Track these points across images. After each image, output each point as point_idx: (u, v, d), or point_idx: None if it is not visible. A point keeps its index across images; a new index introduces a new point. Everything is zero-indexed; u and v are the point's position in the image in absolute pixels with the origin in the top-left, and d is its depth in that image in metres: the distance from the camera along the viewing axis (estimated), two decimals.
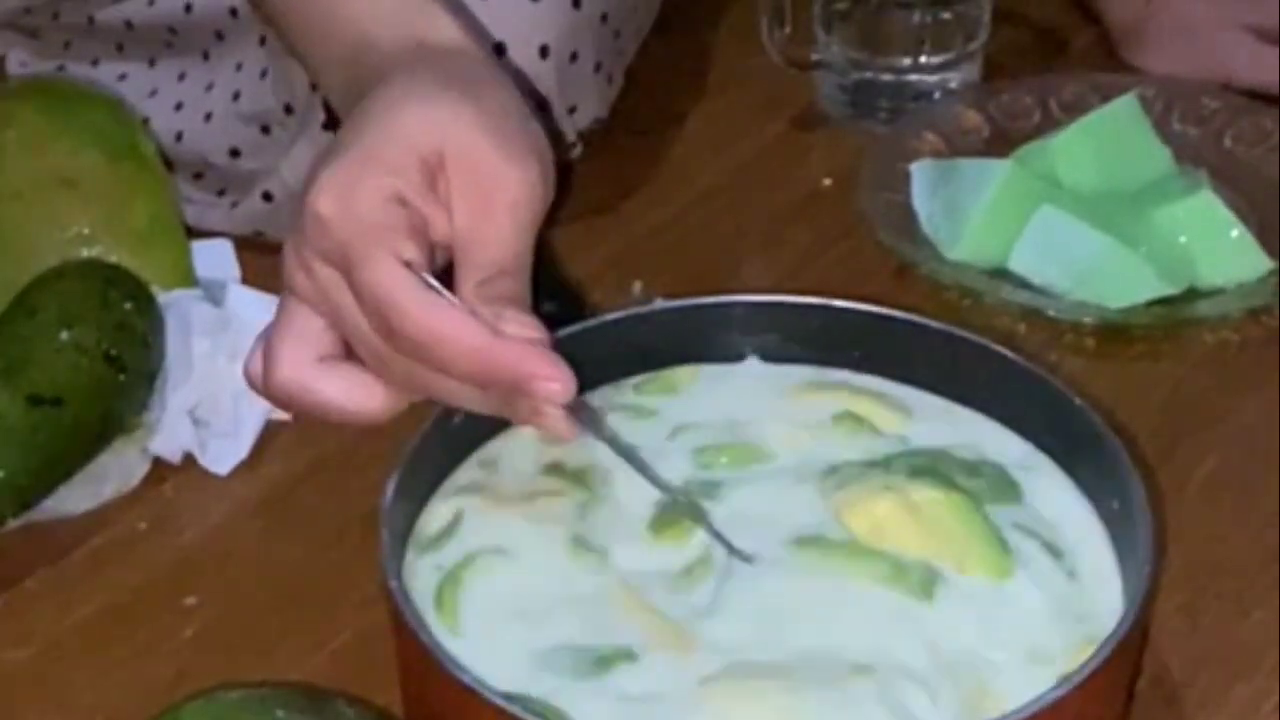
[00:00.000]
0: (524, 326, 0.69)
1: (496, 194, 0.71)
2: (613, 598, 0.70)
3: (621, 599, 0.70)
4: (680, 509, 0.73)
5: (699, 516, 0.73)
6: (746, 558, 0.71)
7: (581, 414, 0.71)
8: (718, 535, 0.72)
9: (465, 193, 0.71)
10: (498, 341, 0.68)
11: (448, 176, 0.71)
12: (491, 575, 0.71)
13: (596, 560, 0.72)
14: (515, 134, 0.72)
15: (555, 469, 0.76)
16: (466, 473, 0.76)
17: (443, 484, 0.75)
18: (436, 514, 0.74)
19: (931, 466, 0.74)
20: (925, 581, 0.70)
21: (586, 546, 0.72)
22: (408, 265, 0.68)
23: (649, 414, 0.79)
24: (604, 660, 0.68)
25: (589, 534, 0.73)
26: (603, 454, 0.74)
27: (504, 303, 0.69)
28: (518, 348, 0.68)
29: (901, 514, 0.72)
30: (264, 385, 0.72)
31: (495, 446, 0.77)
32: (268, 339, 0.71)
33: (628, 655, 0.68)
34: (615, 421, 0.77)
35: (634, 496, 0.74)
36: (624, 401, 0.79)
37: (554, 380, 0.68)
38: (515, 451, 0.77)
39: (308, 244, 0.70)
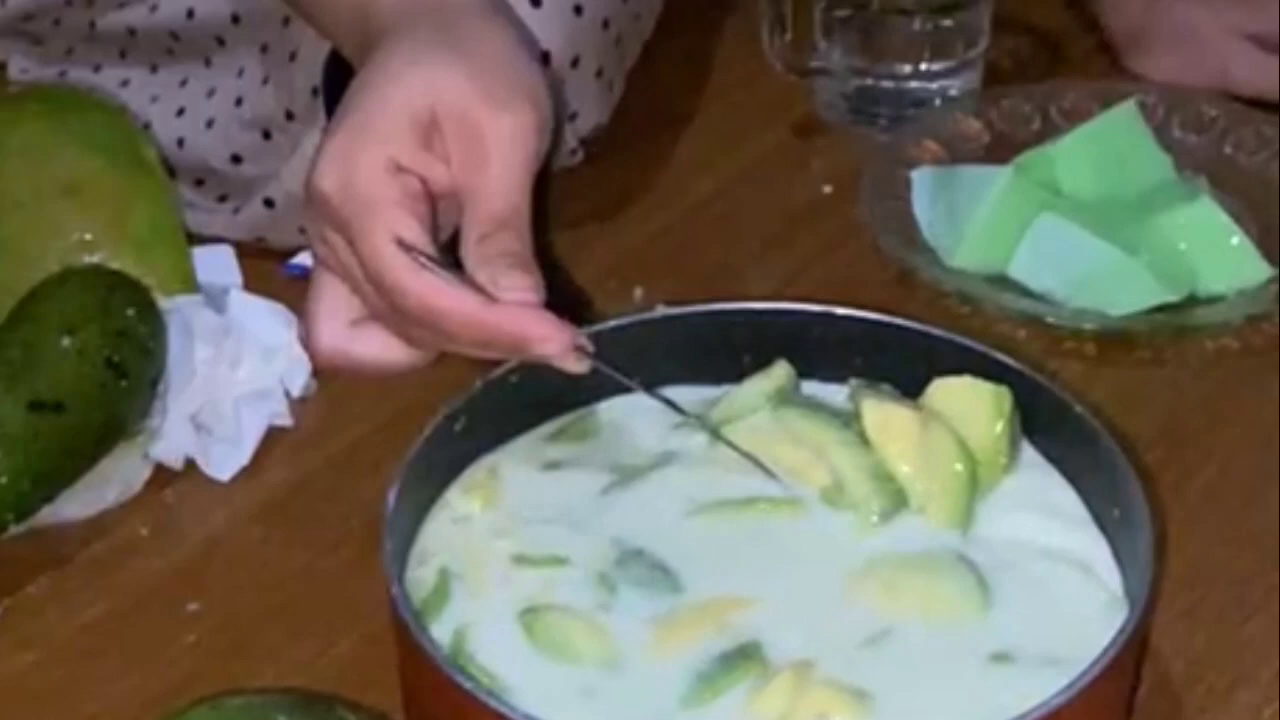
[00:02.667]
0: (519, 286, 0.71)
1: (487, 143, 0.74)
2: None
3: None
4: (695, 426, 0.77)
5: (717, 434, 0.76)
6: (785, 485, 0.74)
7: (586, 353, 0.74)
8: (741, 451, 0.75)
9: (458, 146, 0.74)
10: (491, 310, 0.71)
11: (442, 133, 0.74)
12: None
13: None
14: (505, 83, 0.75)
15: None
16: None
17: (445, 490, 0.76)
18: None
19: None
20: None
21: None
22: (400, 243, 0.71)
23: None
24: None
25: None
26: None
27: (503, 260, 0.72)
28: (511, 314, 0.71)
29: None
30: (309, 354, 0.77)
31: (496, 457, 0.78)
32: (306, 309, 0.76)
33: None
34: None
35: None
36: None
37: (549, 340, 0.71)
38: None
39: (317, 218, 0.74)
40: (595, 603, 0.71)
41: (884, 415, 0.75)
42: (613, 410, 0.80)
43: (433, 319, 0.72)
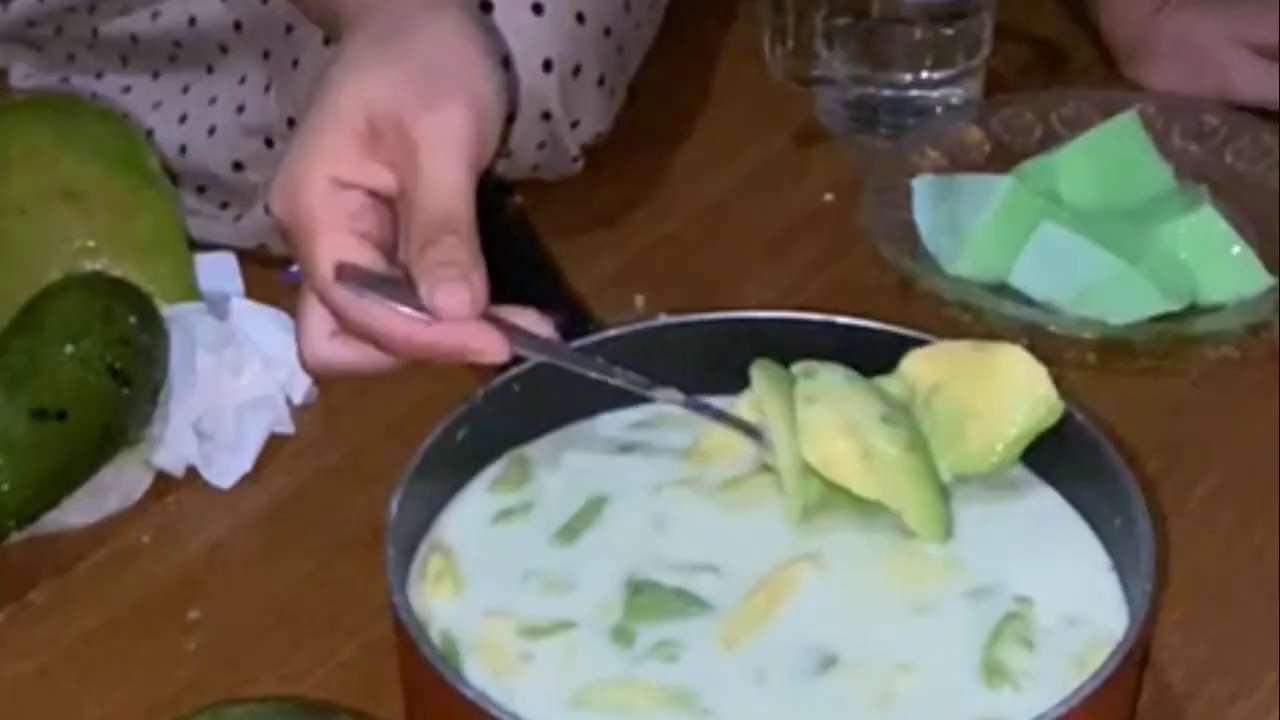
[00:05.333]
0: (454, 304, 0.72)
1: (420, 145, 0.74)
2: None
3: None
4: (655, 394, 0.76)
5: (693, 404, 0.75)
6: (757, 434, 0.74)
7: (520, 343, 0.74)
8: (708, 411, 0.75)
9: (396, 151, 0.74)
10: (427, 330, 0.72)
11: (383, 139, 0.74)
12: None
13: None
14: (437, 84, 0.75)
15: None
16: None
17: (448, 500, 0.76)
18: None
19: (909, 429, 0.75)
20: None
21: None
22: (340, 266, 0.73)
23: None
24: None
25: None
26: None
27: (441, 271, 0.72)
28: (447, 331, 0.72)
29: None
30: (301, 364, 0.78)
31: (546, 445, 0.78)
32: (295, 321, 0.77)
33: None
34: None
35: None
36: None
37: (485, 351, 0.72)
38: None
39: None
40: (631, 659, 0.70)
41: (825, 450, 0.73)
42: (542, 449, 0.79)
43: (374, 339, 0.73)
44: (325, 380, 0.84)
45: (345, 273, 0.73)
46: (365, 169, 0.75)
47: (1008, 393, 0.75)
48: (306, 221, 0.74)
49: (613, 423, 0.80)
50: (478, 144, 0.75)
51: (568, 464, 0.78)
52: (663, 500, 0.76)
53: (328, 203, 0.74)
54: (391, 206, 0.76)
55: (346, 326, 0.75)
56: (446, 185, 0.74)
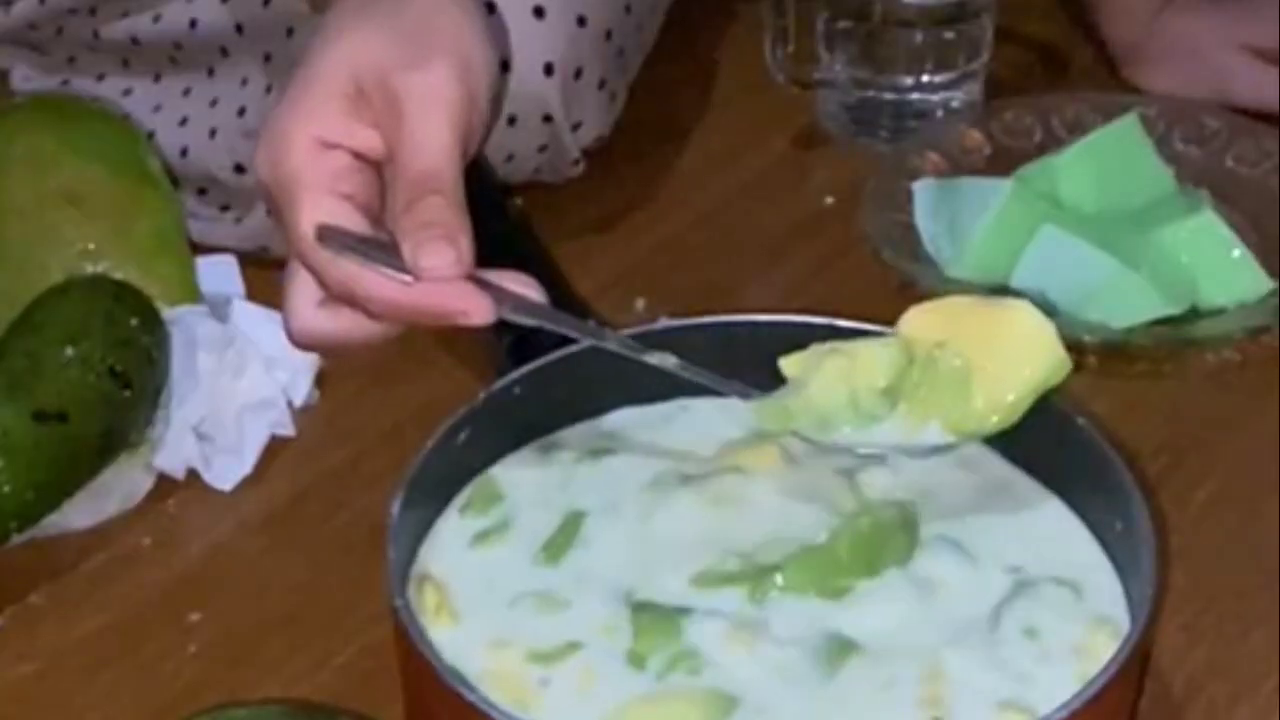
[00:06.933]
0: (438, 263, 0.70)
1: (406, 104, 0.73)
2: None
3: None
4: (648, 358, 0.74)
5: (673, 365, 0.74)
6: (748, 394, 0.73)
7: (509, 306, 0.72)
8: (703, 375, 0.73)
9: (382, 112, 0.73)
10: (409, 291, 0.70)
11: (369, 100, 0.73)
12: None
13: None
14: (424, 42, 0.74)
15: None
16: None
17: (448, 502, 0.76)
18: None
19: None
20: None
21: None
22: (322, 228, 0.71)
23: None
24: None
25: None
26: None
27: (425, 232, 0.71)
28: (429, 292, 0.70)
29: None
30: (288, 336, 0.76)
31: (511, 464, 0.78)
32: (283, 293, 0.76)
33: None
34: None
35: None
36: None
37: (469, 314, 0.70)
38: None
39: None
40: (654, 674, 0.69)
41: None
42: (509, 471, 0.78)
43: (357, 302, 0.72)
44: (310, 350, 0.80)
45: (327, 234, 0.72)
46: (350, 130, 0.73)
47: (1015, 348, 0.72)
48: (289, 182, 0.73)
49: (573, 435, 0.79)
50: (465, 105, 0.74)
51: (534, 479, 0.77)
52: (641, 506, 0.75)
53: (311, 163, 0.73)
54: (378, 171, 0.74)
55: (329, 291, 0.73)
56: (432, 144, 0.72)
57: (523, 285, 0.73)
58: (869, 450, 0.74)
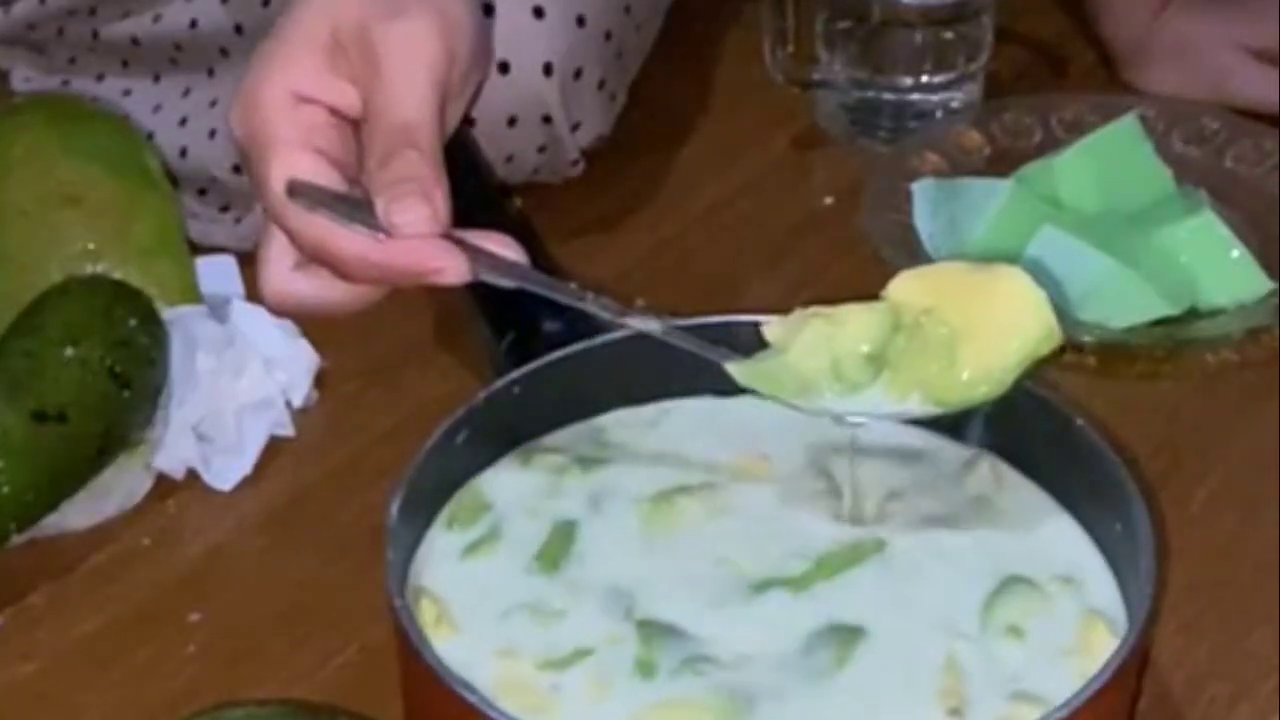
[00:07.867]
0: (412, 219, 0.69)
1: (384, 54, 0.72)
2: None
3: None
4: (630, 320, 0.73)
5: (656, 329, 0.73)
6: (734, 356, 0.71)
7: (486, 266, 0.71)
8: (690, 340, 0.72)
9: (359, 64, 0.72)
10: (382, 248, 0.69)
11: (346, 53, 0.72)
12: None
13: None
14: None
15: None
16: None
17: (447, 502, 0.76)
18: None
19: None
20: None
21: None
22: (293, 184, 0.70)
23: None
24: None
25: None
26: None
27: (400, 187, 0.69)
28: (403, 249, 0.69)
29: None
30: (263, 299, 0.75)
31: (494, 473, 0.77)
32: (257, 255, 0.74)
33: None
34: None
35: None
36: None
37: (443, 271, 0.69)
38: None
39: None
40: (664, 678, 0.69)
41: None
42: (493, 479, 0.77)
43: (328, 260, 0.70)
44: (286, 314, 0.79)
45: (299, 190, 0.70)
46: (326, 83, 0.72)
47: (1005, 316, 0.70)
48: (261, 135, 0.71)
49: (558, 439, 0.79)
50: (445, 59, 0.73)
51: (520, 487, 0.76)
52: (635, 514, 0.75)
53: (284, 117, 0.71)
54: (355, 130, 0.73)
55: (302, 250, 0.71)
56: (410, 96, 0.71)
57: (500, 245, 0.71)
58: (854, 418, 0.72)
